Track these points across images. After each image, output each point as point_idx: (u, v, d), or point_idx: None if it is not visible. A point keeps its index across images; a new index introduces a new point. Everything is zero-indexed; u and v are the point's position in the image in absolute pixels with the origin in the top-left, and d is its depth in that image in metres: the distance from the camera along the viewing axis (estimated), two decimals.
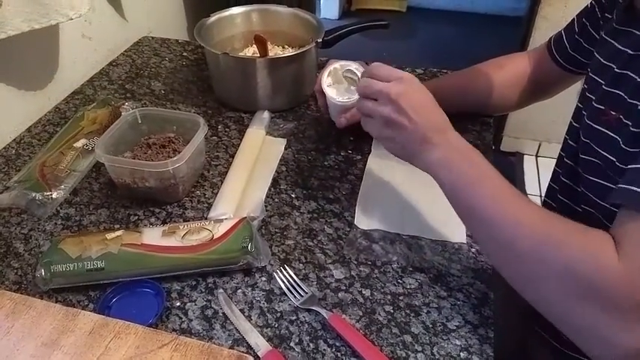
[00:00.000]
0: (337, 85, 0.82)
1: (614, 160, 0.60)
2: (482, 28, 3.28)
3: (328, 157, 0.90)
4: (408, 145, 0.63)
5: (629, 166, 0.53)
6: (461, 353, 0.59)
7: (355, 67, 0.79)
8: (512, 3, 3.17)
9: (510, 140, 2.30)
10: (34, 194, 0.79)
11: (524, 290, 0.56)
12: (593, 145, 0.64)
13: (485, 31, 3.23)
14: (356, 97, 0.70)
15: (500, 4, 3.33)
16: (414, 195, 0.81)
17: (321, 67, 1.11)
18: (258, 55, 1.01)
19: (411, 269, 0.70)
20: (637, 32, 0.60)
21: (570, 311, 0.52)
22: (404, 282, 0.68)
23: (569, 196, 0.74)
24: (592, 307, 0.50)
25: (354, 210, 0.79)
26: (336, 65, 0.80)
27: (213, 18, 1.04)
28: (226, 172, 0.84)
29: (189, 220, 0.76)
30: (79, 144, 0.88)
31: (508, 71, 0.93)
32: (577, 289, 0.51)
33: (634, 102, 0.57)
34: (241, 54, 1.06)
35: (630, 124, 0.57)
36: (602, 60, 0.67)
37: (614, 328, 0.49)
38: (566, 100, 0.99)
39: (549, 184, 0.82)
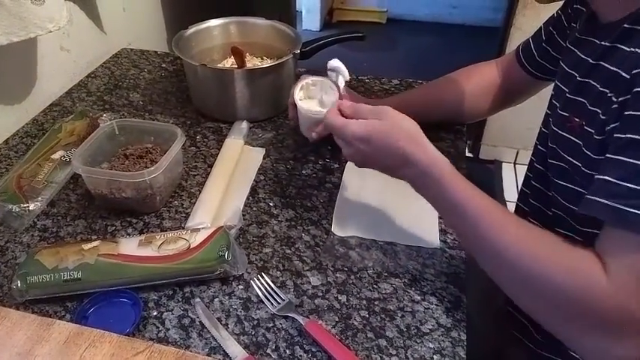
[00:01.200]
0: (308, 100, 0.84)
1: (580, 165, 0.62)
2: (461, 39, 3.34)
3: (306, 165, 0.92)
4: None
5: (596, 177, 0.55)
6: (434, 356, 0.61)
7: (329, 83, 0.81)
8: (490, 14, 3.24)
9: (488, 148, 2.33)
10: (10, 206, 0.79)
11: (519, 302, 0.60)
12: (560, 150, 0.66)
13: (463, 41, 3.29)
14: (325, 110, 0.72)
15: (479, 15, 3.39)
16: (390, 202, 0.82)
17: (299, 76, 1.13)
18: (237, 66, 1.03)
19: (386, 274, 0.71)
20: (597, 42, 0.62)
21: (562, 327, 0.56)
22: (379, 287, 0.69)
23: (540, 199, 0.76)
24: (582, 325, 0.53)
25: (332, 217, 0.80)
26: (308, 80, 0.82)
27: (192, 30, 1.05)
28: (204, 182, 0.85)
29: (166, 230, 0.76)
30: (56, 156, 0.88)
31: (477, 79, 0.95)
32: (567, 308, 0.54)
33: (595, 109, 0.59)
34: (220, 65, 1.08)
35: (593, 131, 0.59)
36: (566, 68, 0.70)
37: (605, 343, 0.52)
38: (541, 108, 1.02)
39: (521, 188, 0.84)
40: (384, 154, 0.65)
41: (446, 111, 0.97)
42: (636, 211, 0.49)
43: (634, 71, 0.53)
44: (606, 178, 0.52)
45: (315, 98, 0.82)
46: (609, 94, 0.57)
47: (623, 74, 0.55)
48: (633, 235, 0.50)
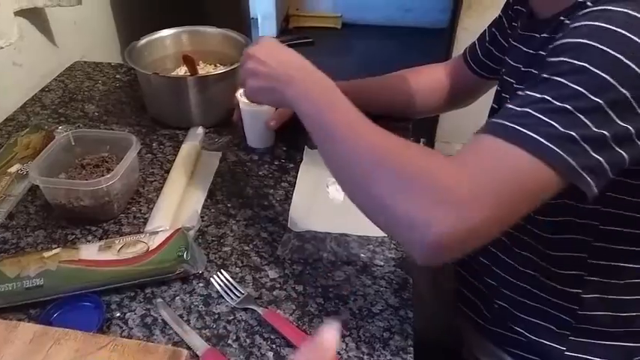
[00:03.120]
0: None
1: None
2: (413, 41, 3.44)
3: (262, 167, 0.95)
4: (275, 87, 0.68)
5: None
6: (384, 333, 0.65)
7: None
8: (440, 15, 3.34)
9: (442, 145, 2.42)
10: None
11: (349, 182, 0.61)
12: None
13: (416, 43, 3.39)
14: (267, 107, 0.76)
15: (430, 17, 3.50)
16: (341, 197, 0.87)
17: None
18: (189, 74, 1.06)
19: (339, 263, 0.75)
20: (538, 35, 0.68)
21: (391, 199, 0.54)
22: (333, 275, 0.73)
23: None
24: (412, 196, 0.52)
25: (288, 215, 0.84)
26: None
27: (144, 40, 1.08)
28: (162, 188, 0.88)
29: (125, 235, 0.79)
30: (13, 169, 0.89)
31: (425, 78, 1.01)
32: (404, 174, 0.54)
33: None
34: (173, 74, 1.10)
35: None
36: (511, 62, 0.76)
37: (429, 216, 0.51)
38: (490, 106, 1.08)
39: None
40: (276, 56, 0.69)
41: (395, 103, 1.02)
42: (517, 127, 0.51)
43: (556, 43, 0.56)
44: (508, 106, 0.55)
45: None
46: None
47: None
48: (500, 142, 0.52)
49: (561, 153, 0.50)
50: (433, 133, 2.38)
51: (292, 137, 1.02)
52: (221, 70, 1.04)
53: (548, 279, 0.73)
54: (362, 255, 0.76)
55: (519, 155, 0.51)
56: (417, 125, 1.08)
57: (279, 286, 0.72)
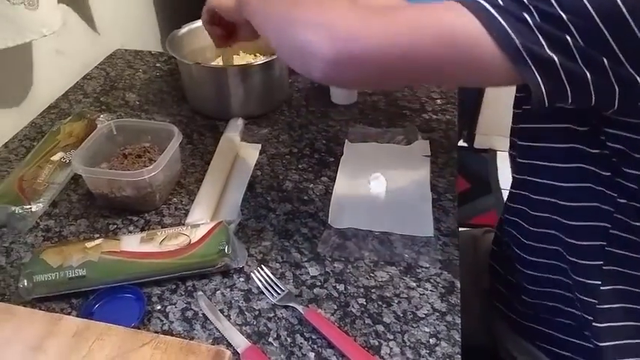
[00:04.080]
0: None
1: None
2: None
3: (302, 160, 0.93)
4: None
5: None
6: (430, 339, 0.63)
7: None
8: None
9: (483, 138, 2.36)
10: (13, 208, 0.80)
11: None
12: None
13: None
14: None
15: None
16: (384, 194, 0.84)
17: (292, 72, 1.15)
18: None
19: (382, 263, 0.73)
20: None
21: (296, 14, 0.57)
22: (376, 275, 0.71)
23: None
24: (313, 16, 0.55)
25: (328, 210, 0.82)
26: None
27: (185, 29, 1.07)
28: (202, 179, 0.87)
29: (167, 227, 0.78)
30: (56, 157, 0.90)
31: None
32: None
33: None
34: (213, 63, 1.09)
35: None
36: None
37: (322, 43, 0.53)
38: None
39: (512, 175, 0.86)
40: None
41: None
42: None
43: None
44: None
45: None
46: None
47: None
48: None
49: (506, 27, 0.46)
50: (474, 125, 2.32)
51: (332, 130, 1.00)
52: (261, 60, 1.03)
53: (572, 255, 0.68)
54: (406, 255, 0.74)
55: (460, 13, 0.48)
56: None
57: (319, 284, 0.71)
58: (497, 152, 2.36)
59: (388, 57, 0.52)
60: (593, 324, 0.66)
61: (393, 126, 1.01)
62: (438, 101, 1.07)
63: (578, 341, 0.71)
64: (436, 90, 1.11)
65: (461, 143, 2.36)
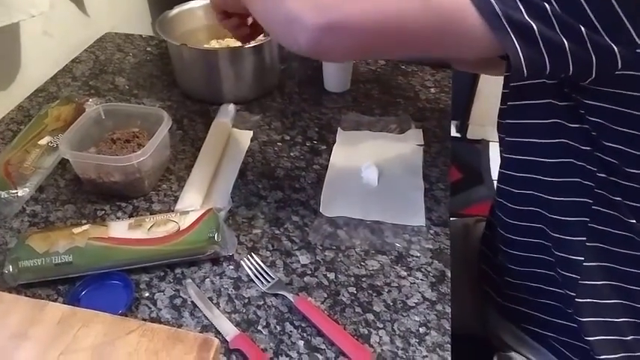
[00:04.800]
0: None
1: None
2: None
3: (294, 147, 0.93)
4: None
5: None
6: (420, 328, 0.62)
7: None
8: None
9: (476, 128, 2.35)
10: None
11: None
12: None
13: None
14: None
15: None
16: (376, 182, 0.83)
17: (285, 58, 1.13)
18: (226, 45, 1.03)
19: (373, 252, 0.73)
20: None
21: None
22: (366, 264, 0.71)
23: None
24: None
25: (320, 198, 0.81)
26: None
27: (175, 11, 1.05)
28: (192, 165, 0.86)
29: (155, 214, 0.77)
30: (43, 141, 0.88)
31: None
32: None
33: None
34: (206, 46, 1.07)
35: None
36: None
37: (306, 12, 0.53)
38: None
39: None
40: None
41: None
42: None
43: None
44: None
45: None
46: None
47: None
48: None
49: None
50: (467, 115, 2.32)
51: (325, 117, 0.99)
52: (253, 42, 1.01)
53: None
54: (397, 244, 0.73)
55: None
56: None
57: (310, 272, 0.70)
58: (490, 143, 2.36)
59: (374, 24, 0.52)
60: (576, 299, 0.66)
61: (387, 114, 1.00)
62: (432, 90, 1.07)
63: (561, 321, 0.71)
64: (430, 79, 1.10)
65: (454, 134, 2.36)
